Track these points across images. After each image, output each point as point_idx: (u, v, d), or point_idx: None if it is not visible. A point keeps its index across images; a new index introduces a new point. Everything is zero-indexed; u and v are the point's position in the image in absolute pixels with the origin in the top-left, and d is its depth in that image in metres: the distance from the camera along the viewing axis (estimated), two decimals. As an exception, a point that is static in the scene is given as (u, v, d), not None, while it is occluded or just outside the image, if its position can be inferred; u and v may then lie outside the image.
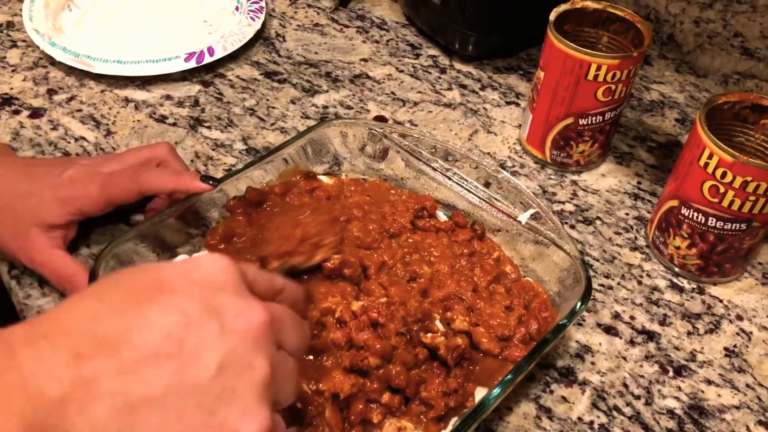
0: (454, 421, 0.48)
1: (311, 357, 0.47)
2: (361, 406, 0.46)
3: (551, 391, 0.55)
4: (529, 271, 0.59)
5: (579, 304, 0.51)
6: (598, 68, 0.64)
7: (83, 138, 0.72)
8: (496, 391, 0.46)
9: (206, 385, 0.29)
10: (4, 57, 0.80)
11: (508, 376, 0.47)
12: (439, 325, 0.51)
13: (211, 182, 0.56)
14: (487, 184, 0.61)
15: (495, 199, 0.60)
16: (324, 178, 0.63)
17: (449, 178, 0.62)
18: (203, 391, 0.29)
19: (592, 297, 0.59)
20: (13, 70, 0.78)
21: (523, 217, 0.58)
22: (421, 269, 0.55)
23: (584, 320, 0.60)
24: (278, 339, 0.33)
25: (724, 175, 0.56)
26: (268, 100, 0.78)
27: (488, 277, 0.56)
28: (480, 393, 0.49)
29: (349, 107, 0.78)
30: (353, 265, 0.52)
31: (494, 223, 0.60)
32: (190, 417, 0.29)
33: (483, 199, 0.60)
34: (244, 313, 0.31)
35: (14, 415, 0.26)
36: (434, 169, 0.62)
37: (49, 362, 0.28)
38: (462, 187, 0.61)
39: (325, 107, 0.78)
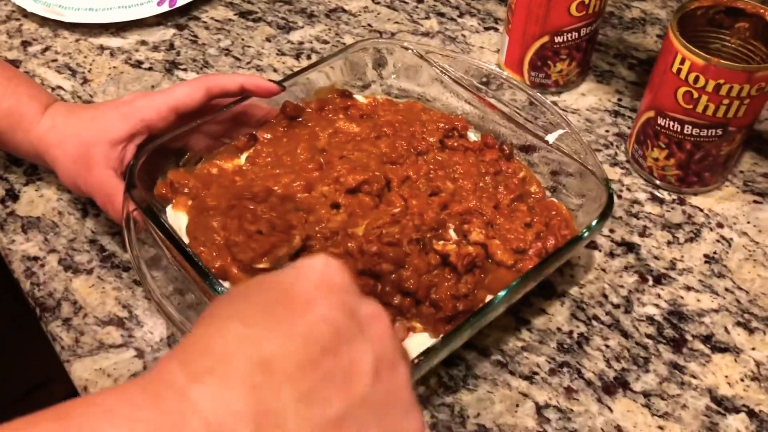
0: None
1: None
2: None
3: (530, 304, 0.55)
4: (554, 189, 0.59)
5: (596, 221, 0.51)
6: (570, -18, 0.63)
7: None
8: (502, 293, 0.47)
9: (370, 392, 0.29)
10: (-23, 12, 0.79)
11: (515, 282, 0.48)
12: (452, 233, 0.52)
13: (279, 85, 0.58)
14: (520, 105, 0.61)
15: (526, 119, 0.60)
16: (359, 97, 0.64)
17: (482, 99, 0.61)
18: (368, 399, 0.29)
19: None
20: (-14, 25, 0.78)
21: (552, 137, 0.58)
22: (444, 185, 0.55)
23: (564, 236, 0.60)
24: None
25: (696, 79, 0.56)
26: (243, 39, 0.78)
27: (511, 195, 0.56)
28: None
29: (325, 42, 0.78)
30: (376, 180, 0.53)
31: (522, 142, 0.60)
32: (367, 427, 0.29)
33: (512, 119, 0.60)
34: (374, 314, 0.31)
35: None
36: (467, 90, 0.62)
37: (227, 399, 0.26)
38: (494, 108, 0.61)
39: (301, 43, 0.77)
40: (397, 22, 0.80)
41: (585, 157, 0.56)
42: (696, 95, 0.56)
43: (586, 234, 0.51)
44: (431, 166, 0.57)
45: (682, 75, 0.56)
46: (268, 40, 0.78)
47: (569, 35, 0.67)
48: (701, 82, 0.55)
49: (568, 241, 0.51)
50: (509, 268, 0.51)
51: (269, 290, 0.31)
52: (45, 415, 0.24)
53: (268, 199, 0.52)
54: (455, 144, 0.59)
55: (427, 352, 0.44)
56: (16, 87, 0.57)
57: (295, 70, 0.74)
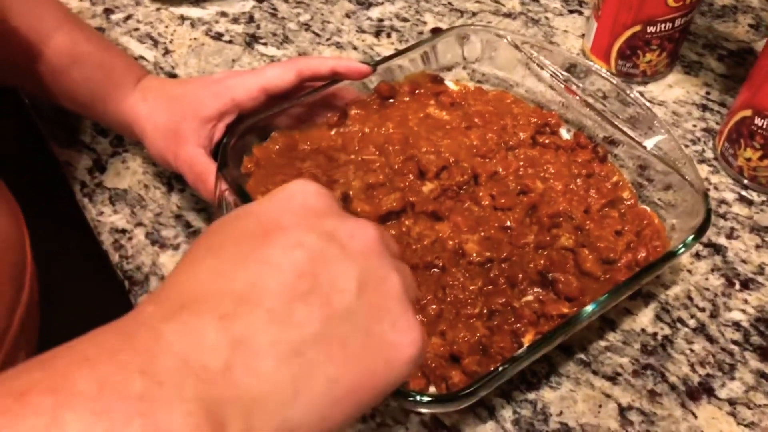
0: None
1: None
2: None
3: (614, 305, 0.55)
4: (647, 198, 0.57)
5: (692, 236, 0.49)
6: (670, -29, 0.61)
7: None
8: (591, 307, 0.46)
9: (353, 308, 0.29)
10: (60, -23, 0.80)
11: (604, 296, 0.46)
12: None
13: (370, 65, 0.57)
14: (617, 106, 0.59)
15: (622, 120, 0.58)
16: (450, 84, 0.63)
17: (577, 96, 0.60)
18: (353, 314, 0.29)
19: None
20: (69, -10, 0.78)
21: (650, 143, 0.56)
22: (534, 184, 0.54)
23: (648, 234, 0.59)
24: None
25: (803, 82, 0.54)
26: (322, 14, 0.77)
27: (603, 200, 0.54)
28: None
29: (405, 19, 0.76)
30: (463, 173, 0.54)
31: (607, 134, 0.59)
32: (351, 342, 0.29)
33: (609, 120, 0.58)
34: (357, 232, 0.31)
35: (190, 401, 0.24)
36: (563, 85, 0.60)
37: (199, 334, 0.26)
38: (588, 105, 0.59)
39: (380, 20, 0.76)
40: (478, 2, 0.79)
41: (683, 165, 0.54)
42: (801, 98, 0.54)
43: (681, 250, 0.49)
44: (521, 163, 0.56)
45: (788, 76, 0.54)
46: (347, 16, 0.77)
47: (663, 25, 0.65)
48: (809, 84, 0.53)
49: (662, 255, 0.50)
50: (597, 279, 0.50)
51: (243, 222, 0.31)
52: (32, 365, 0.24)
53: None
54: (547, 141, 0.58)
55: (513, 360, 0.44)
56: (111, 58, 0.58)
57: (375, 48, 0.73)
